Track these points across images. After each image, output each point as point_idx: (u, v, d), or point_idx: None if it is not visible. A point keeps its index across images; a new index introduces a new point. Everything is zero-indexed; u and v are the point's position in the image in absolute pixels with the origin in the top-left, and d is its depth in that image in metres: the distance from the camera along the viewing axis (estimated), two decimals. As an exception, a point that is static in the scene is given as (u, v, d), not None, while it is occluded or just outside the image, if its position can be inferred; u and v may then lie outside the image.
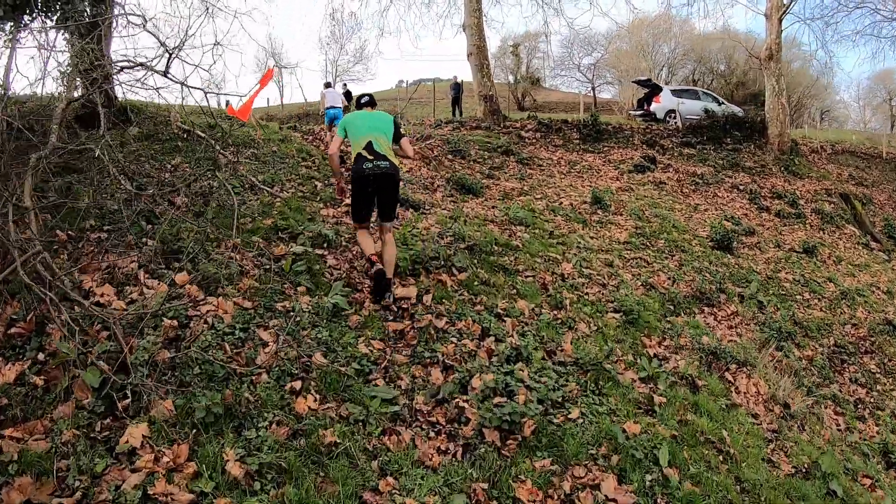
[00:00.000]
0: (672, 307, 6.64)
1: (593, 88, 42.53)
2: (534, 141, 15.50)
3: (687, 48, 39.10)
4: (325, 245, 5.30)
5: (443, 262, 5.41)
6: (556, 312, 5.51)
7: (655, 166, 14.48)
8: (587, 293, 6.24)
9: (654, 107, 19.88)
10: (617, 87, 42.29)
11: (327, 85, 15.51)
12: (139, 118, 8.17)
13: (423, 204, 7.94)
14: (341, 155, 5.07)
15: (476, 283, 5.46)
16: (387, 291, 4.38)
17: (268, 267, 4.38)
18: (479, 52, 15.76)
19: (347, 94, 18.99)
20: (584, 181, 12.56)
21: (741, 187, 14.30)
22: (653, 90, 20.41)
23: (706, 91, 21.46)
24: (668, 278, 7.45)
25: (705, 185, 13.89)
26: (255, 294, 4.11)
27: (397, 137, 4.68)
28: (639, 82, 21.97)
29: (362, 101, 4.89)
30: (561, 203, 10.01)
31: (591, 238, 8.48)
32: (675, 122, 18.49)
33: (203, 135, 7.52)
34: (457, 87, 19.83)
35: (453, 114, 19.33)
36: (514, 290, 5.67)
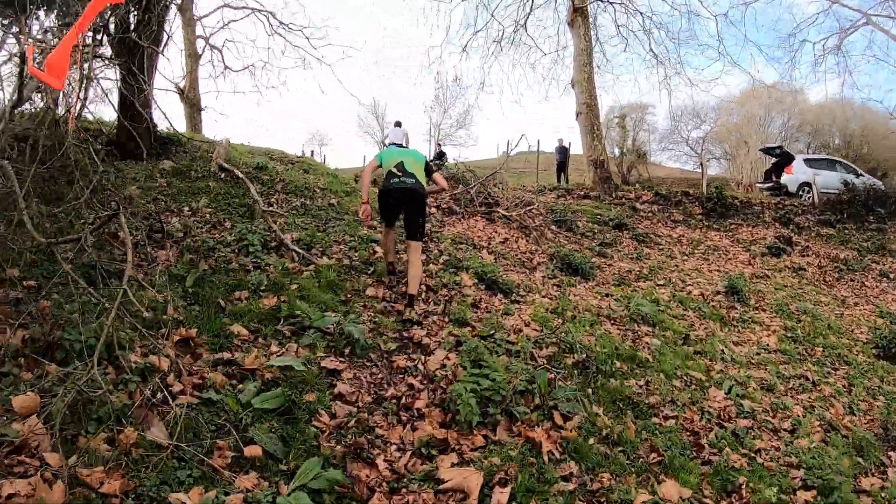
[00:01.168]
0: (861, 459, 4.19)
1: (702, 164, 39.59)
2: (650, 215, 13.15)
3: (802, 120, 35.41)
4: (347, 352, 3.24)
5: (538, 403, 3.13)
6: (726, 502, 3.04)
7: (792, 248, 12.00)
8: (758, 450, 3.87)
9: (785, 178, 16.75)
10: (725, 163, 39.59)
11: (397, 124, 14.67)
12: (179, 150, 6.89)
13: (517, 287, 5.78)
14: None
15: (592, 440, 3.11)
16: (408, 306, 4.31)
17: (195, 403, 2.32)
18: (588, 112, 13.79)
19: (440, 155, 17.77)
20: (711, 264, 10.42)
21: (892, 275, 11.28)
22: (783, 159, 17.28)
23: (842, 161, 17.84)
24: (845, 409, 5.07)
25: (850, 271, 11.18)
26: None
27: (429, 171, 4.78)
28: (767, 150, 18.84)
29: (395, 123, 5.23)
30: (689, 292, 7.87)
31: (736, 344, 6.23)
32: (811, 197, 15.29)
33: (241, 175, 5.97)
34: (562, 152, 17.72)
35: (558, 180, 17.18)
36: (653, 452, 3.25)
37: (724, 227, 13.08)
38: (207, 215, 5.34)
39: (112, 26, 5.83)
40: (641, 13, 14.72)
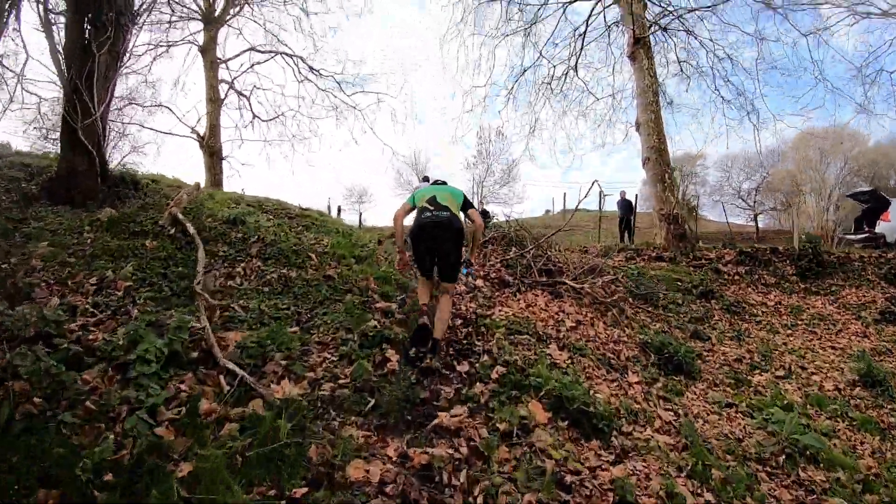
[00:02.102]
0: None
1: (755, 216, 36.90)
2: (736, 278, 10.78)
3: (861, 163, 32.45)
4: None
5: None
6: None
7: (909, 313, 9.39)
8: None
9: (881, 227, 14.00)
10: (777, 213, 37.02)
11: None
12: (135, 193, 5.05)
13: (617, 417, 3.54)
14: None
15: None
16: (424, 347, 3.74)
17: None
18: (657, 158, 11.60)
19: (484, 214, 15.81)
20: (822, 339, 8.48)
21: None
22: (877, 205, 14.52)
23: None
24: None
25: None
26: None
27: (466, 207, 4.35)
28: (856, 196, 16.05)
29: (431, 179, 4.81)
30: (820, 386, 6.17)
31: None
32: (916, 248, 12.52)
33: (192, 231, 3.98)
34: (626, 206, 15.04)
35: (622, 239, 14.63)
36: None
37: (824, 290, 10.84)
38: (122, 291, 3.31)
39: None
40: (705, 45, 12.74)
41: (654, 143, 11.69)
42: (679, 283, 9.35)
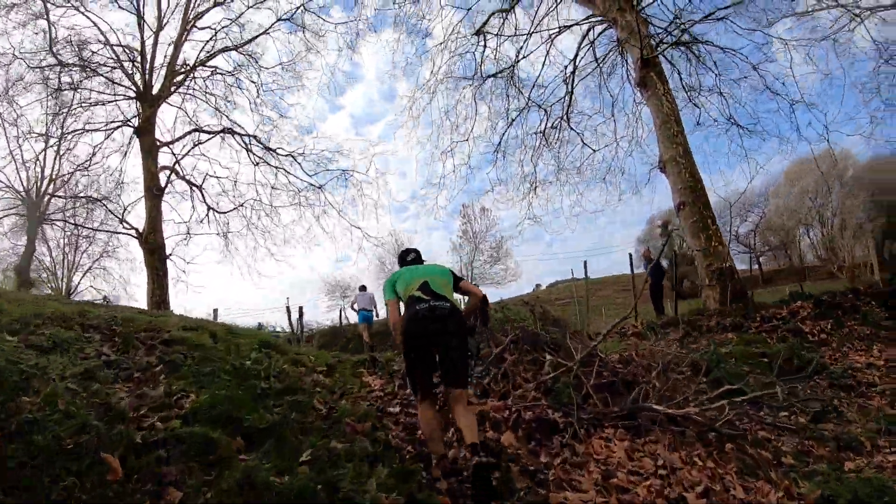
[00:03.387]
0: None
1: (757, 257, 35.19)
2: (823, 337, 8.28)
3: (856, 182, 30.81)
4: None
5: None
6: None
7: None
8: None
9: None
10: (775, 253, 36.44)
11: (362, 288, 13.38)
12: None
13: None
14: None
15: None
16: (476, 454, 2.79)
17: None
18: (695, 201, 9.24)
19: (483, 302, 13.38)
20: None
21: None
22: None
23: None
24: None
25: None
26: None
27: (456, 283, 3.58)
28: None
29: (408, 257, 3.80)
30: None
31: None
32: None
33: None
34: (658, 270, 10.81)
35: (661, 310, 10.74)
36: None
37: (933, 329, 8.40)
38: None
39: None
40: (718, 62, 10.75)
41: (688, 181, 9.36)
42: (764, 360, 6.86)
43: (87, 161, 14.67)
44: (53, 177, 17.41)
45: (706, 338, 7.81)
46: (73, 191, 16.61)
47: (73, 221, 16.71)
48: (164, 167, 13.76)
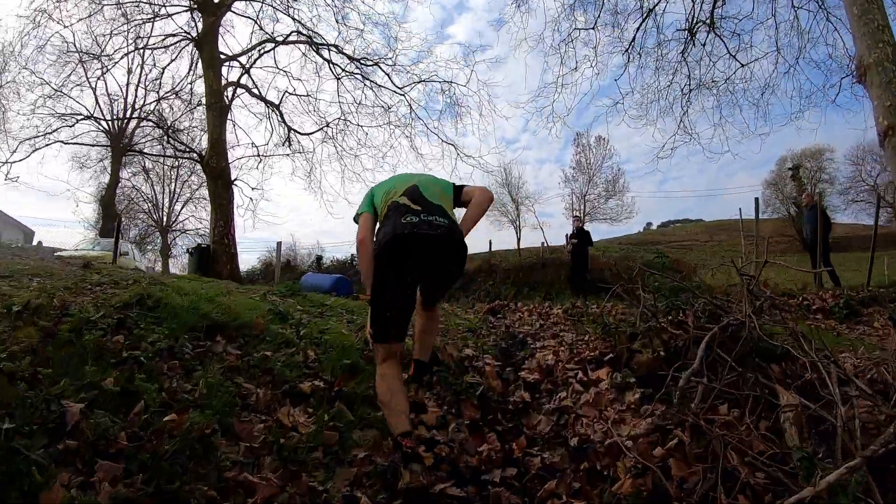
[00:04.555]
0: None
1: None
2: None
3: None
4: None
5: None
6: None
7: None
8: None
9: None
10: None
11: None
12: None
13: None
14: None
15: None
16: (417, 372, 2.67)
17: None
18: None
19: (579, 234, 11.32)
20: None
21: None
22: None
23: None
24: None
25: None
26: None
27: (458, 197, 2.56)
28: None
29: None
30: None
31: None
32: None
33: None
34: (813, 214, 8.39)
35: (835, 280, 7.87)
36: None
37: None
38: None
39: None
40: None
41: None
42: None
43: (155, 83, 13.78)
44: (134, 106, 16.97)
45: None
46: (153, 118, 16.10)
47: (145, 151, 16.19)
48: (230, 83, 12.51)
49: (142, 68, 16.20)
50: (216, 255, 11.33)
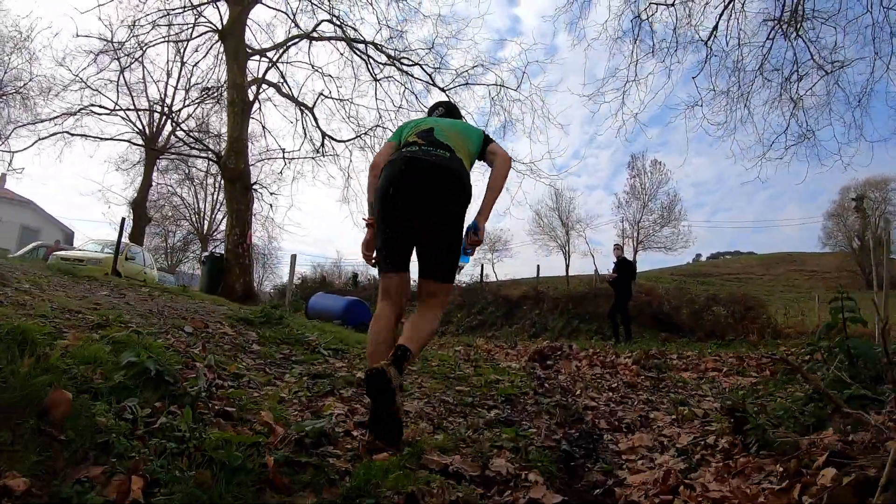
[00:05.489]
0: None
1: None
2: None
3: None
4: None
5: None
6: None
7: None
8: None
9: None
10: None
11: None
12: None
13: None
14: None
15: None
16: (395, 357, 1.96)
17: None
18: None
19: (623, 264, 9.62)
20: None
21: None
22: None
23: None
24: None
25: None
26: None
27: (485, 150, 2.46)
28: None
29: (436, 112, 2.81)
30: None
31: None
32: None
33: None
34: None
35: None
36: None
37: None
38: None
39: None
40: None
41: None
42: None
43: (185, 80, 13.04)
44: (169, 110, 16.40)
45: None
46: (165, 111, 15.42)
47: (171, 150, 15.46)
48: (256, 79, 11.55)
49: (180, 68, 15.56)
50: (229, 265, 10.23)
